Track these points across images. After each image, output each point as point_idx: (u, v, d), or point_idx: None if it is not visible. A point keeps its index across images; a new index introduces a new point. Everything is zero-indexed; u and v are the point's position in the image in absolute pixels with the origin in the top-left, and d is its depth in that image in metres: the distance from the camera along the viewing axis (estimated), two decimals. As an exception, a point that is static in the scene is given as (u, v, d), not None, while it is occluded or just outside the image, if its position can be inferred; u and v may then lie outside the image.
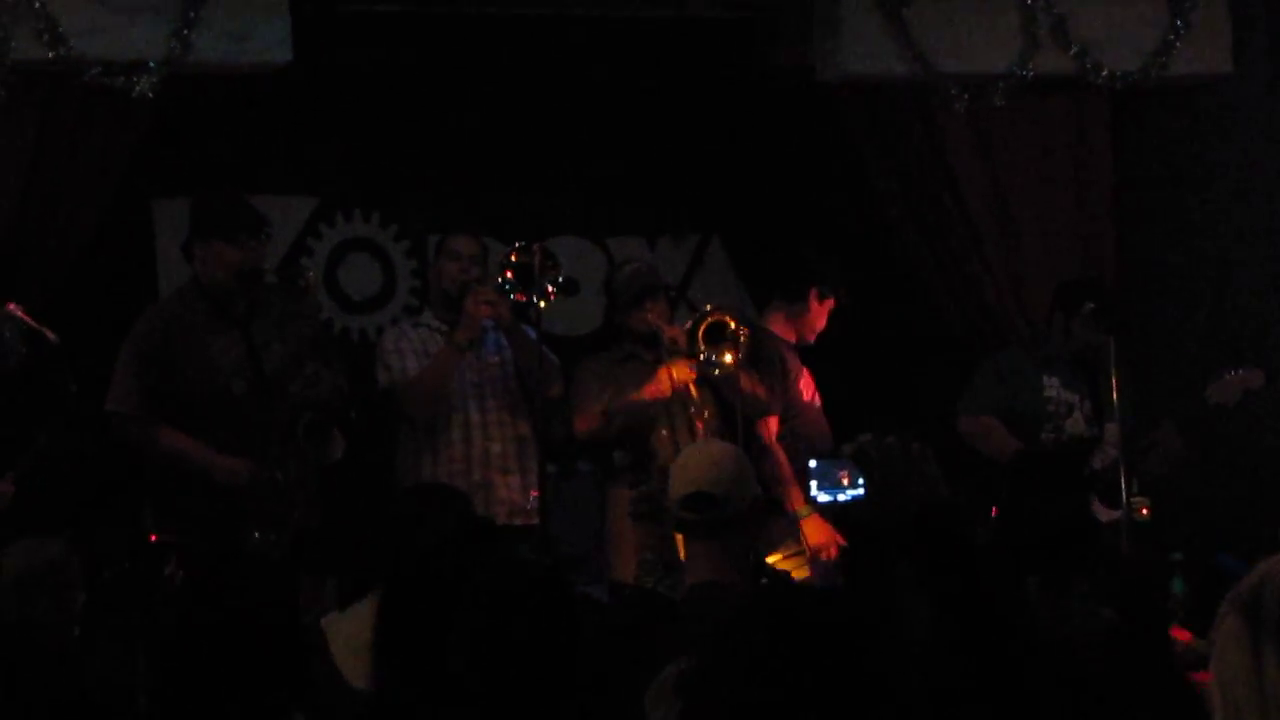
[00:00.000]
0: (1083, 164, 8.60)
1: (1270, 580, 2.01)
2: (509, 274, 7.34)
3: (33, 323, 6.74)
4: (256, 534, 6.78)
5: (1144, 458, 7.59)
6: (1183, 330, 8.81)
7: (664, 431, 7.49)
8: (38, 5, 7.16)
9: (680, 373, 7.43)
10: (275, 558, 6.68)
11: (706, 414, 7.48)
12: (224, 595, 3.72)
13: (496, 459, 7.49)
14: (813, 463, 3.17)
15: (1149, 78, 8.49)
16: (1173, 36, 8.48)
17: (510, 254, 7.38)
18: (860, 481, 3.25)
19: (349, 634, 4.75)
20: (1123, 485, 7.28)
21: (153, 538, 6.91)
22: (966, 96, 8.29)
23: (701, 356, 7.36)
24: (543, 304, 7.32)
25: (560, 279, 7.37)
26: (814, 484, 3.21)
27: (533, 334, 7.46)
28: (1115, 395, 7.53)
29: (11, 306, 6.74)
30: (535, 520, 7.41)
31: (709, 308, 7.62)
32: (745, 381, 7.43)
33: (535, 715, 3.14)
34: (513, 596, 3.26)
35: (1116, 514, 7.36)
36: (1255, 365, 7.79)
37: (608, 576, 7.64)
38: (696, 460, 5.29)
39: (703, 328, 7.40)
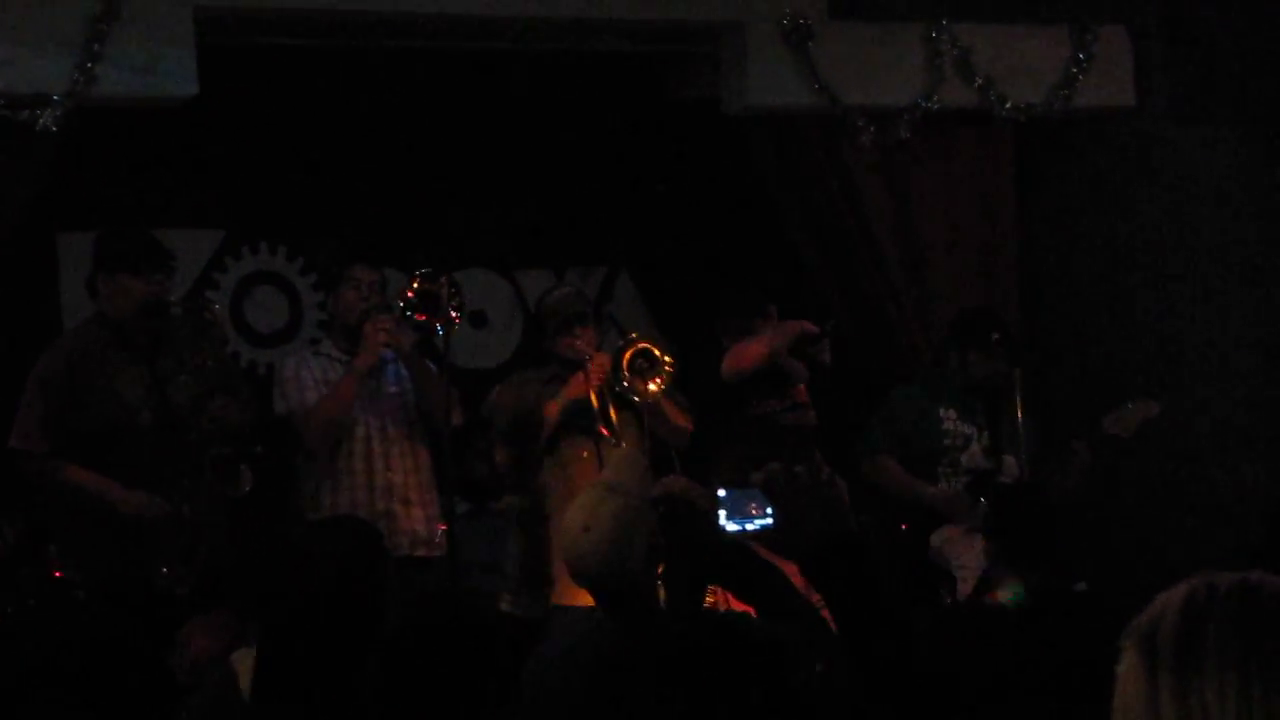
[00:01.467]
0: (988, 195, 8.67)
1: (1167, 613, 2.04)
2: (410, 296, 7.32)
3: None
4: (164, 569, 6.73)
5: (1059, 470, 7.63)
6: (1084, 360, 8.89)
7: (584, 454, 7.49)
8: (-61, 38, 7.11)
9: (595, 373, 7.41)
10: (181, 593, 6.62)
11: (622, 442, 7.47)
12: (73, 633, 3.71)
13: (398, 489, 7.46)
14: (721, 492, 3.17)
15: (1052, 110, 8.57)
16: (1075, 69, 8.57)
17: (413, 280, 7.36)
18: (769, 511, 3.24)
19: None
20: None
21: (57, 575, 6.84)
22: (873, 129, 8.35)
23: (625, 384, 7.37)
24: (446, 330, 7.31)
25: (463, 305, 7.36)
26: (723, 513, 3.20)
27: (433, 367, 7.46)
28: (1019, 426, 7.60)
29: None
30: (439, 553, 7.39)
31: (634, 336, 7.63)
32: (669, 410, 7.46)
33: None
34: (427, 629, 3.28)
35: None
36: (1148, 396, 7.87)
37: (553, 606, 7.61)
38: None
39: (627, 355, 7.41)
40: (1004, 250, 8.70)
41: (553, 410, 7.45)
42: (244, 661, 4.84)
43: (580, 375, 7.41)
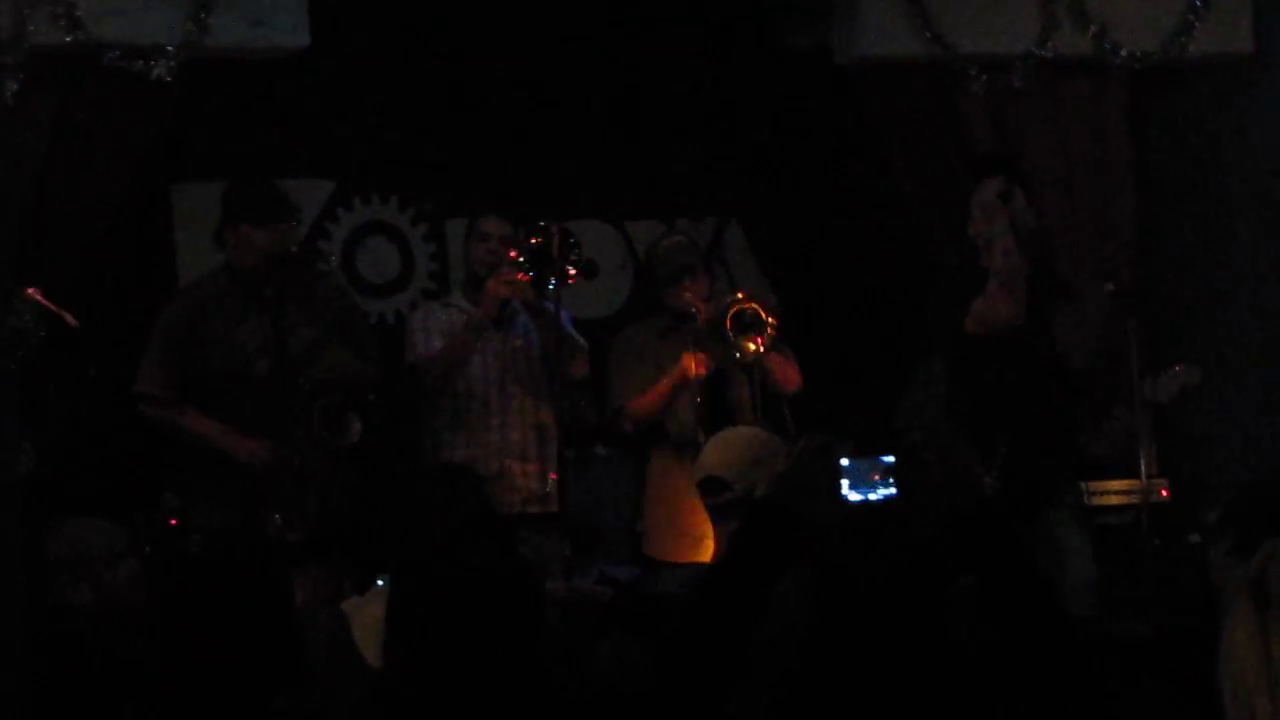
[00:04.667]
0: (1102, 145, 8.56)
1: (1276, 559, 2.01)
2: (524, 255, 7.34)
3: (52, 306, 6.79)
4: (276, 516, 6.82)
5: (1096, 435, 7.51)
6: (1196, 311, 8.79)
7: (689, 418, 7.50)
8: (55, -11, 7.16)
9: (699, 361, 7.43)
10: (292, 540, 6.70)
11: (735, 400, 7.48)
12: (214, 580, 3.76)
13: (515, 446, 7.49)
14: (845, 460, 3.16)
15: (1169, 58, 8.46)
16: (1192, 16, 8.44)
17: (529, 235, 7.38)
18: (891, 481, 3.25)
19: (368, 617, 4.76)
20: (1142, 467, 7.26)
21: (172, 521, 6.95)
22: (985, 78, 8.26)
23: (730, 342, 7.37)
24: (562, 284, 7.31)
25: (580, 259, 7.37)
26: (845, 482, 3.19)
27: (567, 318, 7.47)
28: (1134, 378, 7.51)
29: (31, 291, 6.77)
30: (553, 508, 7.41)
31: (740, 295, 7.61)
32: (776, 366, 7.44)
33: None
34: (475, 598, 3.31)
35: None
36: (1194, 363, 7.70)
37: (645, 551, 7.63)
38: (713, 446, 5.36)
39: (731, 314, 7.42)
40: (1119, 200, 8.60)
41: (663, 390, 7.45)
42: (356, 612, 4.89)
43: (687, 360, 7.39)
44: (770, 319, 7.41)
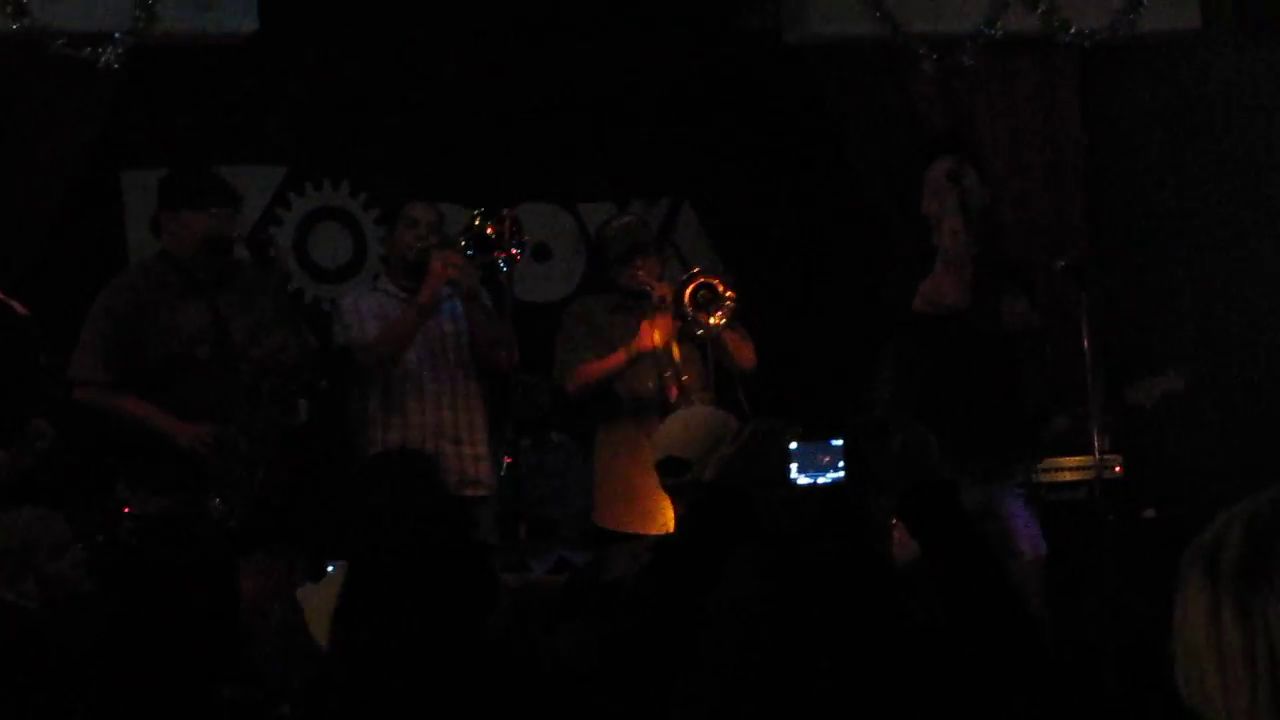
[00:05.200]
0: (1053, 123, 8.59)
1: (1230, 531, 2.01)
2: (471, 235, 7.33)
3: (1, 295, 6.74)
4: (217, 500, 6.77)
5: (1136, 390, 7.55)
6: (1149, 287, 8.83)
7: (650, 386, 7.50)
8: (1, -23, 7.13)
9: (661, 331, 7.42)
10: (234, 524, 6.66)
11: (686, 376, 7.48)
12: (152, 568, 3.76)
13: (448, 427, 7.47)
14: (793, 445, 3.16)
15: (1117, 35, 8.49)
16: (1139, -7, 8.48)
17: (474, 219, 7.37)
18: (840, 465, 3.25)
19: (321, 603, 4.76)
20: (1095, 443, 7.28)
21: (126, 510, 6.91)
22: (935, 57, 8.28)
23: (688, 318, 7.36)
24: (509, 268, 7.31)
25: (524, 243, 7.36)
26: (794, 466, 3.20)
27: (490, 306, 7.46)
28: (1087, 355, 7.53)
29: (-20, 280, 6.73)
30: (484, 491, 7.41)
31: (696, 270, 7.61)
32: (732, 343, 7.42)
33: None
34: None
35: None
36: (1177, 371, 7.71)
37: (595, 522, 7.63)
38: (671, 425, 5.37)
39: (690, 289, 7.40)
40: (1069, 178, 8.63)
41: (620, 359, 7.45)
42: (309, 599, 4.89)
43: (646, 328, 7.40)
44: (729, 293, 7.40)
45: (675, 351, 7.45)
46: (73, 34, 7.24)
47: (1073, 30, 8.42)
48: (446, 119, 8.59)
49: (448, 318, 7.52)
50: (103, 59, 7.26)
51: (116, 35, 7.28)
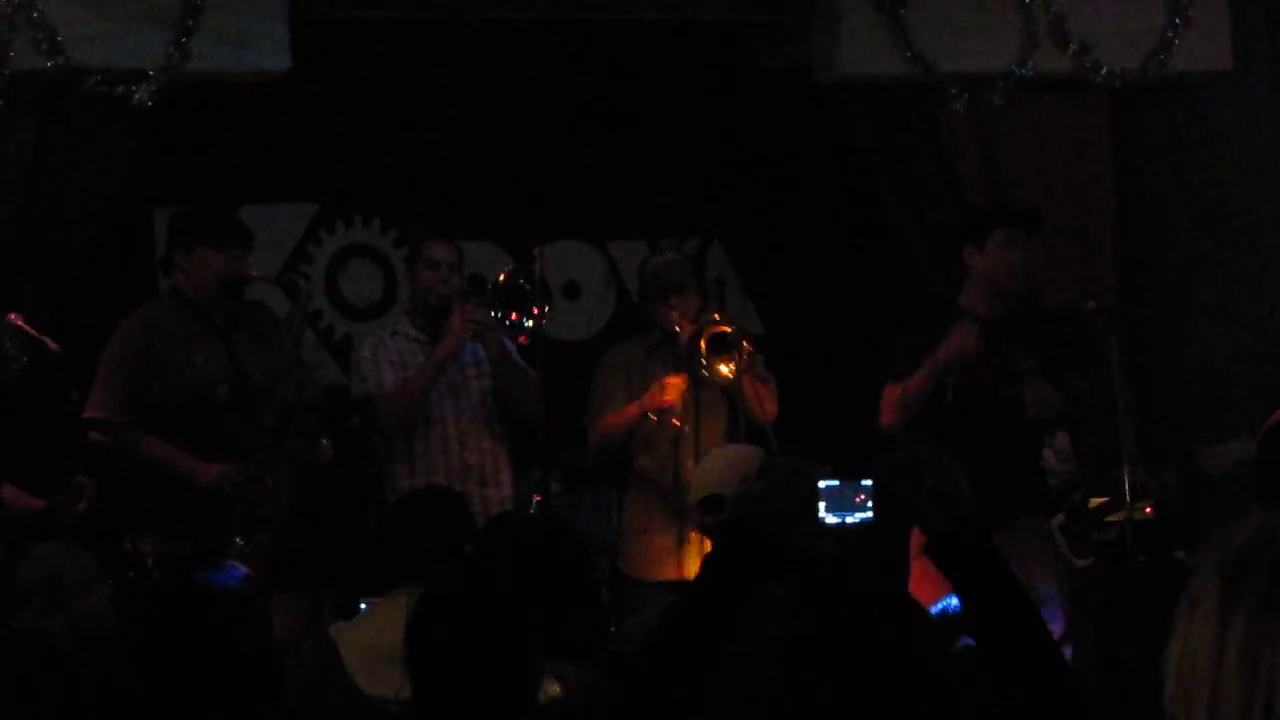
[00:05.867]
0: (1083, 163, 8.58)
1: (1256, 553, 1.94)
2: (498, 291, 7.35)
3: (34, 332, 6.76)
4: (238, 539, 6.77)
5: (1212, 456, 7.49)
6: (1180, 330, 8.80)
7: (665, 451, 7.52)
8: (36, 14, 7.16)
9: (671, 391, 7.43)
10: (258, 560, 6.65)
11: (712, 426, 7.48)
12: (186, 608, 3.75)
13: (474, 470, 7.46)
14: (823, 484, 3.14)
15: (1148, 75, 8.47)
16: (1172, 34, 8.46)
17: (500, 276, 7.39)
18: (869, 504, 3.24)
19: (360, 641, 4.75)
20: (1126, 484, 7.24)
21: (129, 547, 6.87)
22: (966, 96, 8.28)
23: (703, 366, 7.37)
24: (535, 325, 7.31)
25: (550, 297, 7.38)
26: (823, 505, 3.18)
27: (513, 355, 7.45)
28: (1116, 395, 7.50)
29: (13, 316, 6.75)
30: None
31: (715, 316, 7.60)
32: (750, 393, 7.41)
33: None
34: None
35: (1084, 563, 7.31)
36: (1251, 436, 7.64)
37: (619, 568, 7.65)
38: (711, 463, 5.38)
39: (704, 337, 7.40)
40: (1100, 218, 8.61)
41: (634, 413, 7.47)
42: (343, 636, 4.88)
43: (658, 389, 7.41)
44: (744, 343, 7.40)
45: (687, 422, 7.44)
46: (106, 71, 7.27)
47: (1104, 71, 8.42)
48: (477, 157, 8.60)
49: (471, 361, 7.52)
50: (136, 96, 7.29)
51: (150, 73, 7.31)
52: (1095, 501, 7.39)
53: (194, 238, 7.07)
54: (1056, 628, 6.75)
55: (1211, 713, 1.91)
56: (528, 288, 7.32)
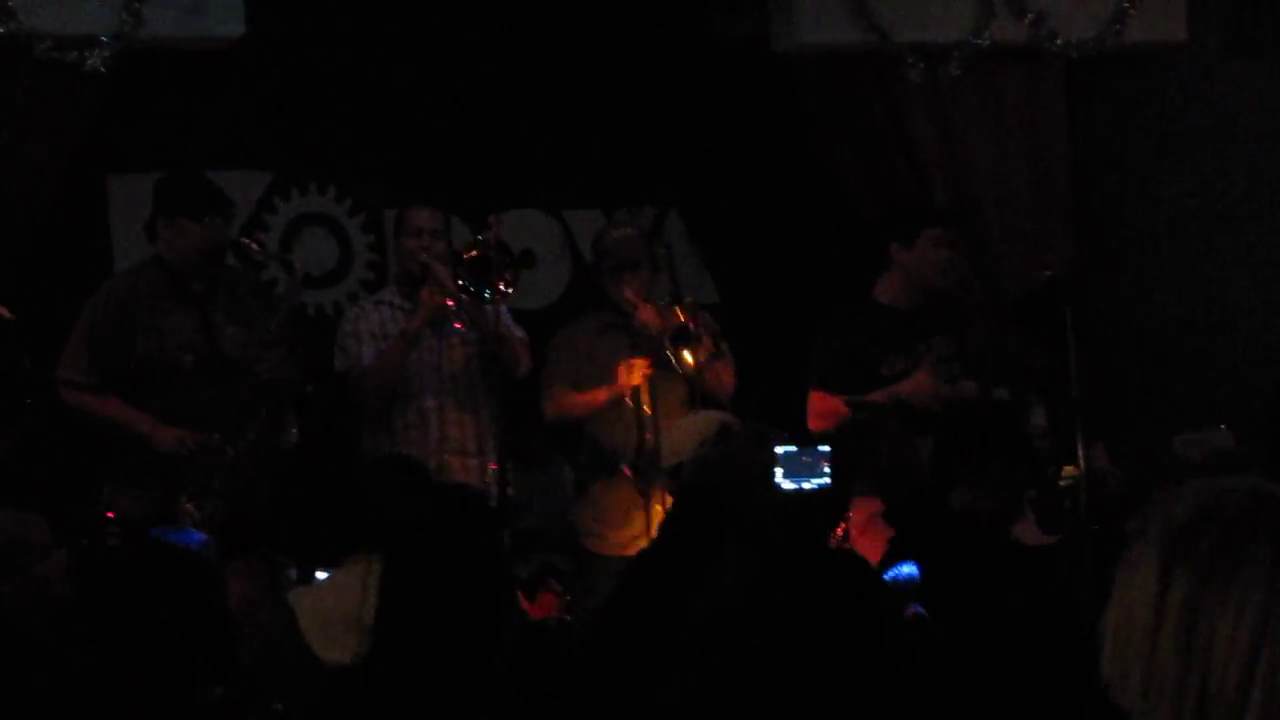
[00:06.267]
0: (1039, 133, 8.60)
1: (1204, 514, 1.91)
2: (460, 268, 7.34)
3: (-14, 299, 6.74)
4: (190, 505, 6.76)
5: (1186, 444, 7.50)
6: (1136, 298, 8.83)
7: (624, 435, 7.53)
8: (-14, -20, 7.12)
9: (636, 373, 7.44)
10: (210, 530, 6.64)
11: (669, 402, 7.49)
12: (136, 572, 3.74)
13: (454, 442, 7.47)
14: (779, 450, 3.14)
15: (1104, 46, 8.50)
16: (1127, 4, 8.48)
17: (464, 252, 7.37)
18: (826, 470, 3.24)
19: (316, 607, 4.75)
20: (1080, 455, 7.26)
21: (109, 514, 6.87)
22: (922, 66, 8.29)
23: (668, 355, 7.39)
24: (499, 294, 7.29)
25: (515, 270, 7.36)
26: (780, 471, 3.18)
27: (505, 311, 7.44)
28: (1072, 367, 7.51)
29: (-35, 284, 6.73)
30: (493, 497, 7.40)
31: (678, 309, 7.60)
32: (711, 379, 7.44)
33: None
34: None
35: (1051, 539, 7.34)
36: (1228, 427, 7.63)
37: (582, 545, 7.66)
38: (678, 432, 5.39)
39: (670, 335, 7.44)
40: (1055, 188, 8.64)
41: (602, 396, 7.47)
42: (301, 602, 4.87)
43: (622, 371, 7.40)
44: (705, 334, 7.45)
45: (646, 401, 7.45)
46: (59, 37, 7.22)
47: (1059, 40, 8.44)
48: (432, 125, 8.57)
49: (454, 330, 7.52)
50: (89, 62, 7.25)
51: (103, 39, 7.26)
52: (1067, 473, 7.41)
53: (174, 207, 7.11)
54: None
55: (1145, 681, 1.90)
56: (493, 256, 7.30)
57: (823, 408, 7.17)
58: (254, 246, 7.25)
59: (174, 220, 7.08)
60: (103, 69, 7.26)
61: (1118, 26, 8.49)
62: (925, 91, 8.36)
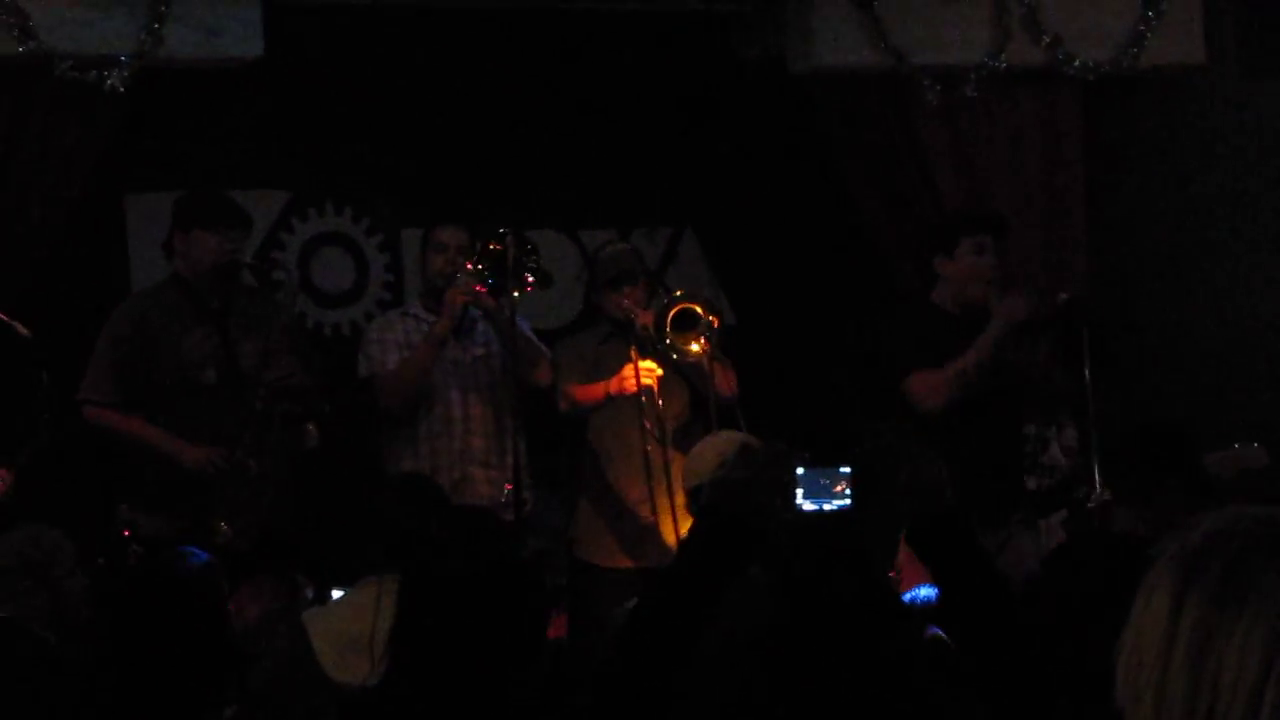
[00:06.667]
0: (1056, 155, 8.61)
1: (1220, 540, 1.93)
2: (481, 263, 7.33)
3: (4, 317, 6.76)
4: (223, 524, 6.79)
5: (1217, 461, 7.46)
6: (1151, 320, 8.82)
7: (632, 435, 7.51)
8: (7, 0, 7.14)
9: (646, 373, 7.42)
10: (242, 549, 6.66)
11: (672, 407, 7.48)
12: (153, 592, 3.75)
13: (478, 453, 7.48)
14: (800, 470, 3.13)
15: (1120, 68, 8.50)
16: (1143, 27, 8.49)
17: (486, 243, 7.37)
18: (847, 492, 3.23)
19: (329, 627, 4.75)
20: (1096, 475, 7.25)
21: (125, 533, 6.90)
22: (939, 88, 8.29)
23: (669, 343, 7.35)
24: (519, 292, 7.29)
25: (537, 266, 7.35)
26: (800, 492, 3.17)
27: (525, 324, 7.45)
28: (1089, 388, 7.51)
29: (-17, 302, 6.75)
30: (509, 515, 7.40)
31: (678, 293, 7.59)
32: (718, 372, 7.40)
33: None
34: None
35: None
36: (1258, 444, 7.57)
37: (577, 556, 7.66)
38: (700, 452, 5.38)
39: (670, 315, 7.39)
40: (1071, 210, 8.64)
41: (599, 392, 7.47)
42: (314, 622, 4.87)
43: (629, 370, 7.39)
44: (712, 318, 7.39)
45: (656, 393, 7.44)
46: (78, 57, 7.25)
47: (1076, 63, 8.44)
48: (449, 145, 8.58)
49: (478, 341, 7.55)
50: (108, 82, 7.27)
51: (122, 59, 7.29)
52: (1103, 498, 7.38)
53: (190, 219, 7.14)
54: None
55: (1156, 705, 1.90)
56: (507, 255, 7.29)
57: (929, 384, 7.01)
58: (250, 263, 7.23)
59: (190, 232, 7.10)
60: (122, 89, 7.28)
61: (1135, 49, 8.49)
62: (942, 114, 8.37)
